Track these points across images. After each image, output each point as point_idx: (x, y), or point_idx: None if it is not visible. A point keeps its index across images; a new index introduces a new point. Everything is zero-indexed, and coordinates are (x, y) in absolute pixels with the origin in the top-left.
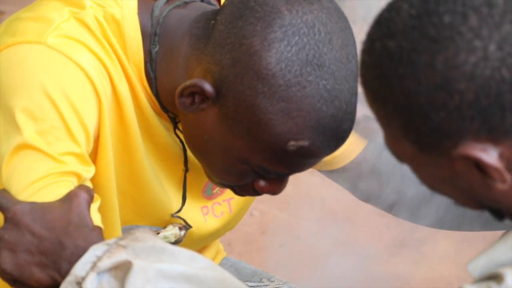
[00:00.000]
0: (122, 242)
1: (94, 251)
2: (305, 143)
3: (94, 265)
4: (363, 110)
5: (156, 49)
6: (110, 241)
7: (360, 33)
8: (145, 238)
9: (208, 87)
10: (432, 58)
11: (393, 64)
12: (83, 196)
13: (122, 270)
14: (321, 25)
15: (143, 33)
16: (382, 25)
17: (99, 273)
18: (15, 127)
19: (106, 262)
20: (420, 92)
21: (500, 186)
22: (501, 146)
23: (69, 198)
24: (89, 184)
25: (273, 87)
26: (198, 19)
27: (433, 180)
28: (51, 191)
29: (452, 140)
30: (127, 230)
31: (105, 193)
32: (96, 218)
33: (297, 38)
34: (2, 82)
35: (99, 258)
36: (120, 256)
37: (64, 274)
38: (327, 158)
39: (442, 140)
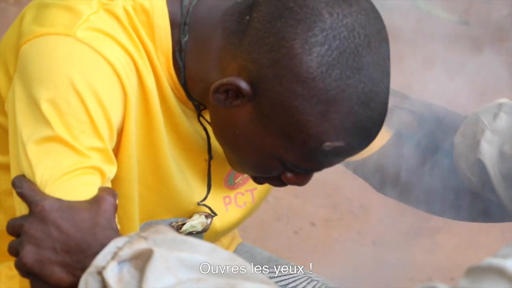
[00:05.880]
0: (143, 234)
1: (116, 242)
2: (340, 143)
3: (115, 255)
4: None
5: (185, 39)
6: (132, 234)
7: None
8: (166, 231)
9: (244, 85)
10: None
11: None
12: (111, 201)
13: (142, 259)
14: (360, 28)
15: (172, 23)
16: None
17: (119, 263)
18: (42, 118)
19: (126, 251)
20: None
21: None
22: None
23: (97, 201)
24: (109, 184)
25: (312, 90)
26: (231, 12)
27: None
28: (77, 188)
29: None
30: (148, 226)
31: (125, 186)
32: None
33: (338, 42)
34: (30, 72)
35: (120, 248)
36: (140, 245)
37: None
38: None
39: None
